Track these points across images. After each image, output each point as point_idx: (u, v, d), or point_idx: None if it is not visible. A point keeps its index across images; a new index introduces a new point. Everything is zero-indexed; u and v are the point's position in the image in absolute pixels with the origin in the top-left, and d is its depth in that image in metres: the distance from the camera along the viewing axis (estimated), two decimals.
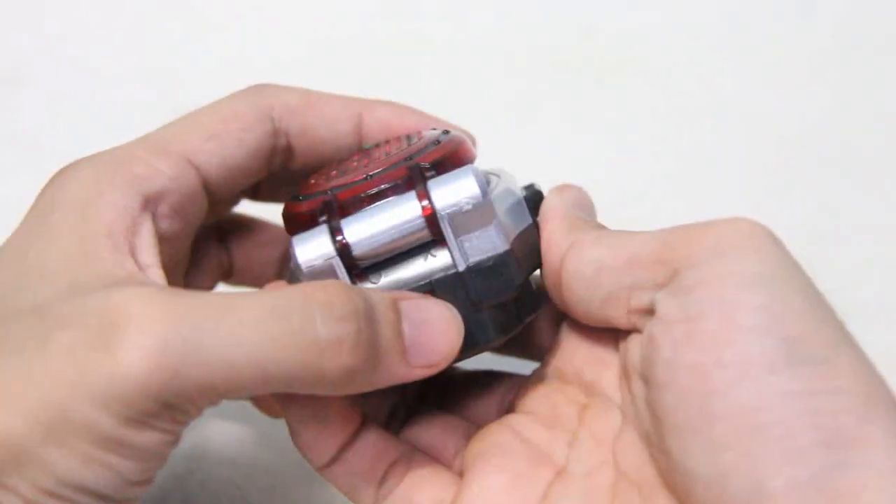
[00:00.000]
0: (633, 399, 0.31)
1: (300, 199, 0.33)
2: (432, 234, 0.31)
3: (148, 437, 0.28)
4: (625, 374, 0.32)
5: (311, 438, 0.33)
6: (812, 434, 0.25)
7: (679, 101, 0.56)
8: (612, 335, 0.33)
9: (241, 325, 0.27)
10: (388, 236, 0.31)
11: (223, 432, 0.44)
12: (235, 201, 0.39)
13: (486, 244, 0.32)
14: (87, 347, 0.27)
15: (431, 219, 0.31)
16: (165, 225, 0.33)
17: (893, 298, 0.49)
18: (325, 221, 0.32)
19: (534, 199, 0.34)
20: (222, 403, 0.44)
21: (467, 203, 0.31)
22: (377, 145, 0.36)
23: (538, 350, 0.37)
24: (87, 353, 0.27)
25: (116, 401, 0.27)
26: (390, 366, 0.30)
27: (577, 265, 0.32)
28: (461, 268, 0.32)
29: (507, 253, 0.32)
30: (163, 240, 0.33)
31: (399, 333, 0.30)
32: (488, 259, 0.32)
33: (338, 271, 0.31)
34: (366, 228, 0.31)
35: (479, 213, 0.31)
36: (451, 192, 0.31)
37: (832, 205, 0.52)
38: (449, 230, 0.31)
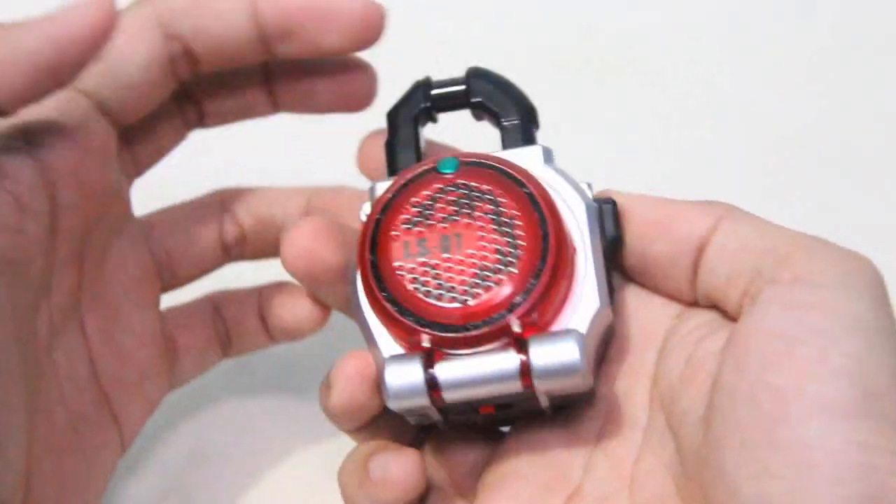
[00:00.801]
0: (660, 424, 0.32)
1: (394, 307, 0.32)
2: (523, 387, 0.31)
3: None
4: (658, 395, 0.33)
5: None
6: (861, 486, 0.26)
7: (679, 101, 0.56)
8: (653, 349, 0.34)
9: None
10: (479, 390, 0.32)
11: (223, 433, 0.44)
12: (158, 122, 0.38)
13: (571, 384, 0.31)
14: None
15: (527, 380, 0.31)
16: (53, 161, 0.32)
17: (893, 298, 0.49)
18: (419, 355, 0.32)
19: (609, 211, 0.34)
20: (222, 404, 0.44)
21: (565, 368, 0.31)
22: (463, 201, 0.33)
23: None
24: None
25: None
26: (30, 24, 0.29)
27: (726, 238, 0.32)
28: (544, 405, 0.32)
29: (589, 388, 0.32)
30: (72, 173, 0.32)
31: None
32: (572, 395, 0.32)
33: (423, 401, 0.32)
34: (459, 376, 0.31)
35: (574, 374, 0.31)
36: (552, 358, 0.31)
37: (832, 205, 0.52)
38: (541, 386, 0.31)
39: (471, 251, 0.32)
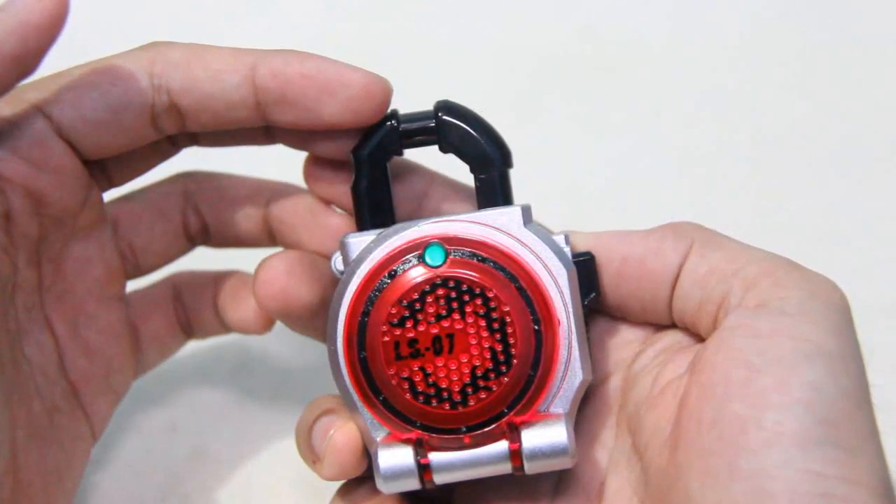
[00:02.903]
0: (627, 446, 0.33)
1: (387, 408, 0.33)
2: (513, 469, 0.33)
3: None
4: (625, 417, 0.34)
5: None
6: None
7: (679, 101, 0.56)
8: (620, 373, 0.34)
9: None
10: (470, 473, 0.33)
11: (223, 433, 0.44)
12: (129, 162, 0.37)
13: (559, 464, 0.33)
14: None
15: (517, 462, 0.32)
16: (5, 169, 0.32)
17: (893, 298, 0.49)
18: (411, 445, 0.32)
19: (586, 267, 0.34)
20: (222, 404, 0.44)
21: (554, 451, 0.32)
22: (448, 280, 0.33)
23: None
24: None
25: None
26: None
27: (697, 264, 0.32)
28: (527, 471, 0.33)
29: (572, 462, 0.33)
30: (22, 185, 0.33)
31: None
32: (554, 472, 0.34)
33: (414, 484, 0.33)
34: (451, 463, 0.33)
35: (563, 455, 0.32)
36: (542, 442, 0.32)
37: (832, 205, 0.52)
38: (531, 468, 0.32)
39: (464, 354, 0.32)
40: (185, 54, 0.33)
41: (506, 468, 0.33)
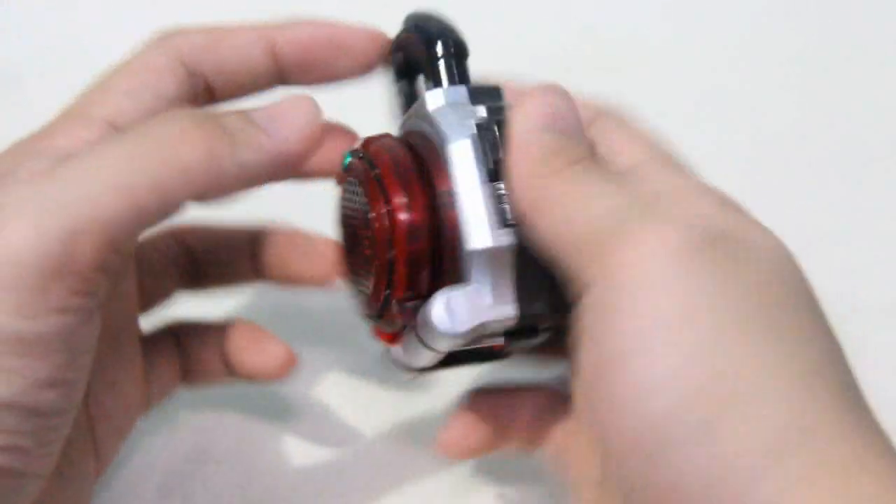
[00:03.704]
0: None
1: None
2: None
3: (48, 324, 0.27)
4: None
5: None
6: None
7: (679, 100, 0.56)
8: None
9: (99, 163, 0.28)
10: (418, 361, 0.33)
11: (224, 433, 0.44)
12: None
13: (447, 338, 0.31)
14: None
15: (422, 342, 0.32)
16: None
17: (893, 298, 0.49)
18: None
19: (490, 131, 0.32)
20: (222, 404, 0.44)
21: (431, 324, 0.31)
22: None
23: None
24: None
25: (6, 288, 0.26)
26: (249, 138, 0.31)
27: (549, 219, 0.30)
28: (429, 345, 0.32)
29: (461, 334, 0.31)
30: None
31: (245, 116, 0.31)
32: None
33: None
34: (399, 356, 0.34)
35: (441, 329, 0.31)
36: (424, 316, 0.31)
37: (832, 205, 0.52)
38: (430, 341, 0.32)
39: (358, 247, 0.34)
40: (208, 38, 0.36)
41: (423, 351, 0.32)
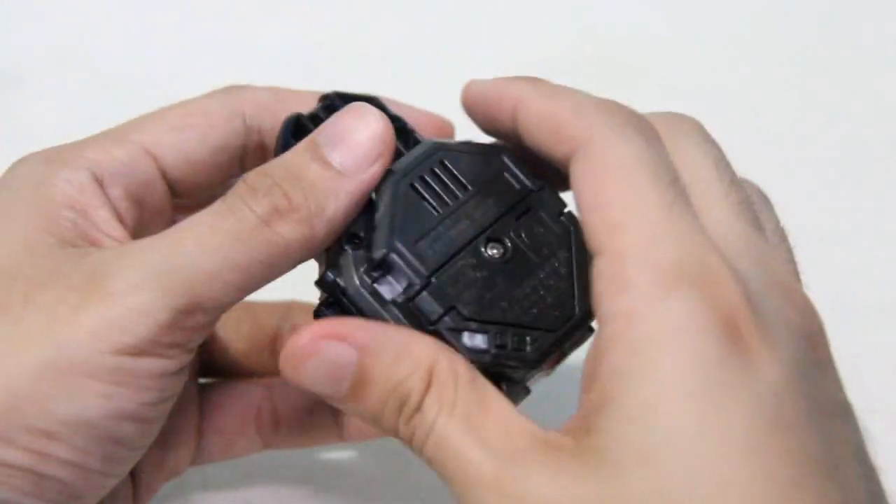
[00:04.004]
0: None
1: None
2: None
3: (148, 365, 0.29)
4: None
5: None
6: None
7: (679, 102, 0.56)
8: None
9: (204, 237, 0.29)
10: None
11: None
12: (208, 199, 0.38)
13: None
14: (77, 293, 0.28)
15: None
16: (120, 208, 0.33)
17: (894, 298, 0.49)
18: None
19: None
20: None
21: None
22: None
23: None
24: (77, 298, 0.28)
25: (113, 333, 0.28)
26: (321, 182, 0.30)
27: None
28: None
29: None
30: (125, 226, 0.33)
31: (317, 150, 0.31)
32: None
33: None
34: None
35: None
36: None
37: (832, 205, 0.52)
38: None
39: None
40: (271, 97, 0.36)
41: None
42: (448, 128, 0.38)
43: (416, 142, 0.34)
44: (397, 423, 0.28)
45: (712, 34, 0.59)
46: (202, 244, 0.29)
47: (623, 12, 0.60)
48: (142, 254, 0.29)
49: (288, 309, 0.41)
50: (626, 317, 0.26)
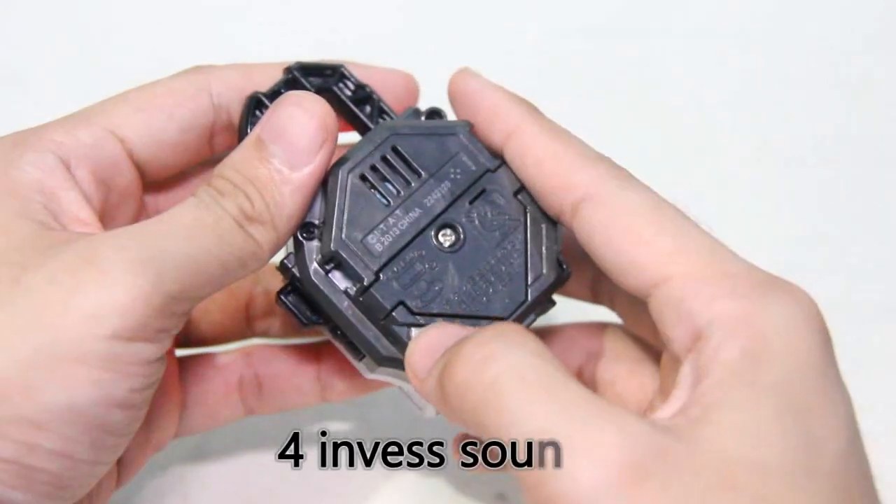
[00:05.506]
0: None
1: None
2: None
3: (137, 350, 0.29)
4: None
5: None
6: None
7: (679, 103, 0.56)
8: None
9: (191, 229, 0.30)
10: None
11: (223, 432, 0.44)
12: (179, 180, 0.38)
13: None
14: (70, 275, 0.28)
15: None
16: (87, 190, 0.33)
17: (894, 298, 0.49)
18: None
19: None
20: None
21: None
22: None
23: None
24: (70, 279, 0.28)
25: (108, 316, 0.28)
26: (272, 184, 0.31)
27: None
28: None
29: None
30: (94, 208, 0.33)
31: (262, 149, 0.32)
32: None
33: None
34: None
35: None
36: None
37: (832, 205, 0.52)
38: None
39: None
40: (238, 75, 0.36)
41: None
42: (412, 85, 0.38)
43: (381, 110, 0.35)
44: None
45: (713, 34, 0.59)
46: (190, 236, 0.30)
47: (623, 12, 0.60)
48: (133, 238, 0.29)
49: (257, 273, 0.41)
50: (739, 318, 0.28)
